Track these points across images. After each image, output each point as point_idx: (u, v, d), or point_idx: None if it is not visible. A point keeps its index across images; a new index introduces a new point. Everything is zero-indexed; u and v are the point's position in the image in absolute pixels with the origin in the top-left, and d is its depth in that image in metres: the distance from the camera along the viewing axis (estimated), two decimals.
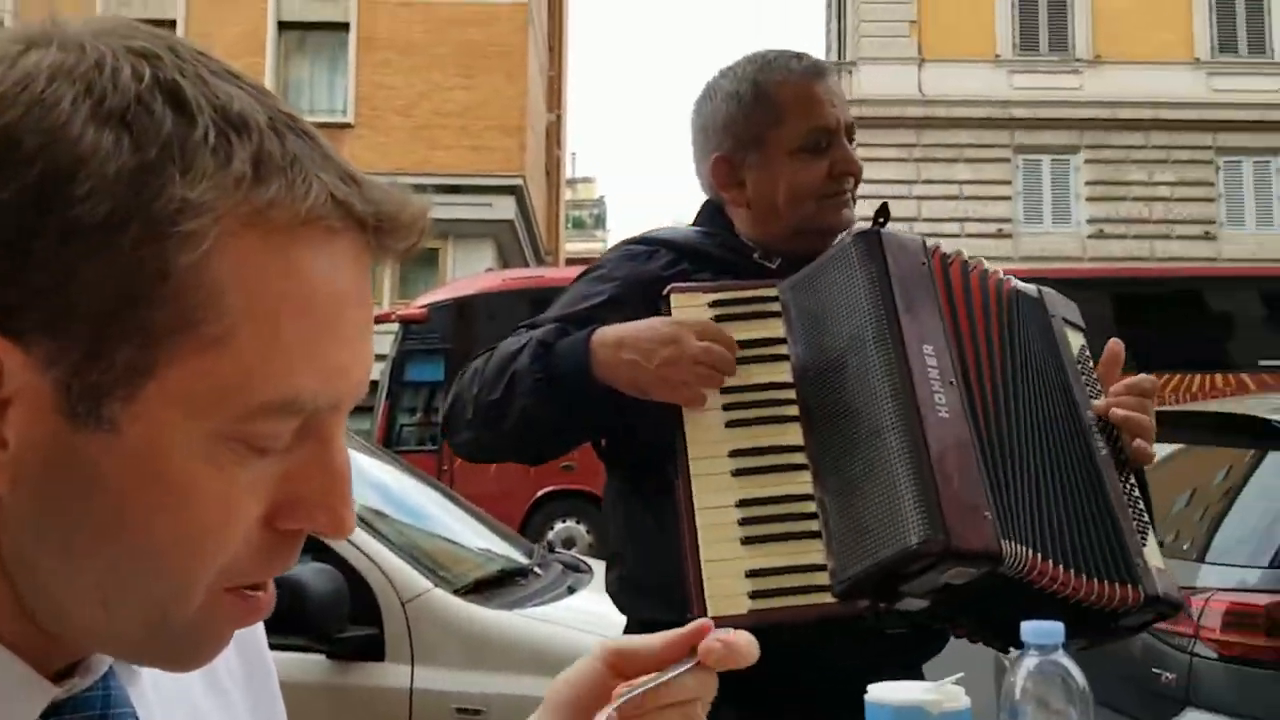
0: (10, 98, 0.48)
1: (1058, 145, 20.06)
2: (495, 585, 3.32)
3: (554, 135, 25.88)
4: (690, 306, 1.39)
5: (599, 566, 4.12)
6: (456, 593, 3.07)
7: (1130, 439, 1.36)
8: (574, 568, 3.82)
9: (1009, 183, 20.04)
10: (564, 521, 10.26)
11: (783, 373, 1.36)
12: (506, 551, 3.78)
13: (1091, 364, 1.45)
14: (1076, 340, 1.46)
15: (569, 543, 9.80)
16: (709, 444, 1.32)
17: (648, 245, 1.56)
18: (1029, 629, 1.07)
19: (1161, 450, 4.14)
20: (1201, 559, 3.27)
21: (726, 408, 1.33)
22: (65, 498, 0.50)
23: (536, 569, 3.61)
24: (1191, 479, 3.94)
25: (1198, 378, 11.60)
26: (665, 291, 1.41)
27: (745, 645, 0.72)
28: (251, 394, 0.50)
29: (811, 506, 1.28)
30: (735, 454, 1.32)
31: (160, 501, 0.50)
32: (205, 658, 0.56)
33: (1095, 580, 1.22)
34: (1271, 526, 3.16)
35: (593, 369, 1.34)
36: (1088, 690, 1.07)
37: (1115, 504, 1.29)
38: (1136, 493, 1.35)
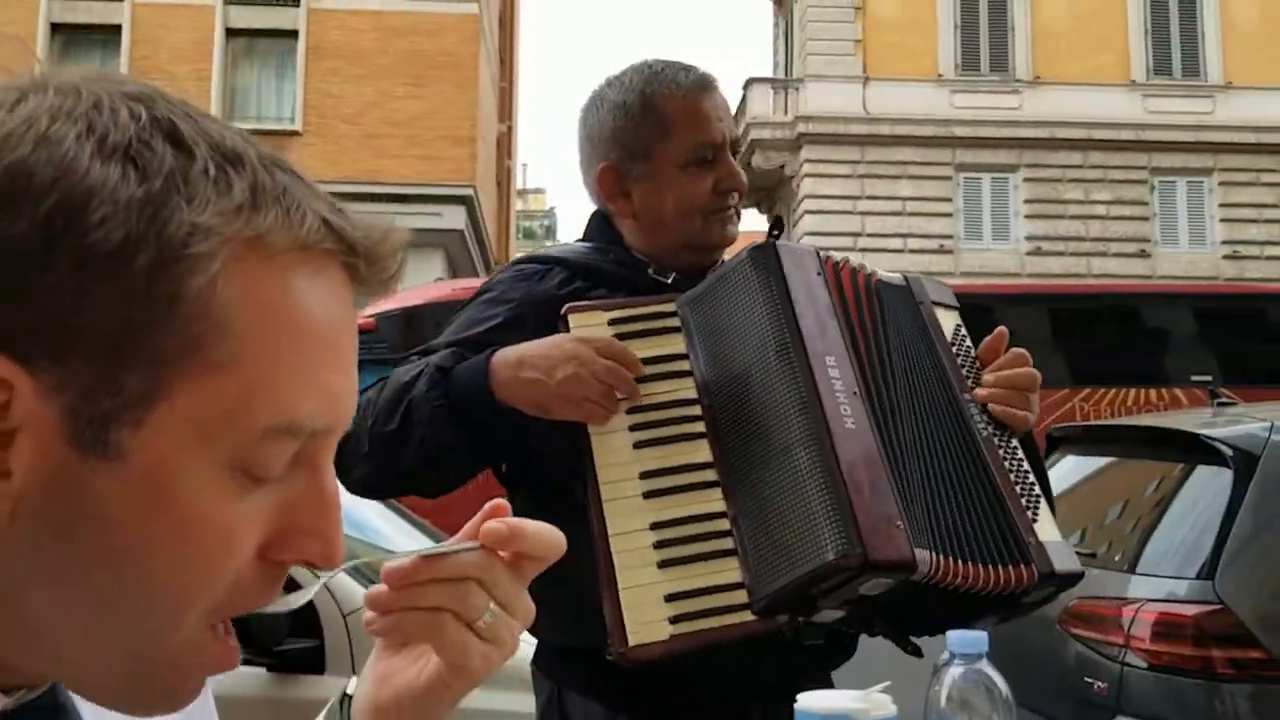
0: (18, 136, 0.49)
1: (998, 164, 20.43)
2: None
3: (505, 146, 25.82)
4: (589, 325, 1.38)
5: None
6: None
7: (1014, 429, 1.36)
8: None
9: (950, 200, 20.36)
10: None
11: (686, 388, 1.35)
12: None
13: (969, 343, 1.44)
14: (950, 321, 1.45)
15: None
16: (618, 467, 1.31)
17: (541, 264, 1.54)
18: (954, 639, 1.10)
19: (1096, 463, 4.26)
20: (1132, 570, 3.33)
21: (633, 428, 1.32)
22: (66, 527, 0.50)
23: None
24: (1124, 491, 4.03)
25: (1132, 392, 11.86)
26: (563, 311, 1.39)
27: (535, 532, 0.74)
28: (255, 417, 0.51)
29: (725, 524, 1.27)
30: (645, 476, 1.31)
31: (164, 532, 0.50)
32: (178, 702, 0.56)
33: (991, 567, 1.23)
34: (1199, 539, 3.22)
35: (494, 390, 1.32)
36: (1011, 699, 1.10)
37: (1002, 486, 1.29)
38: (1025, 466, 1.35)
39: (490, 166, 21.84)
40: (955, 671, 1.10)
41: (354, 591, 2.96)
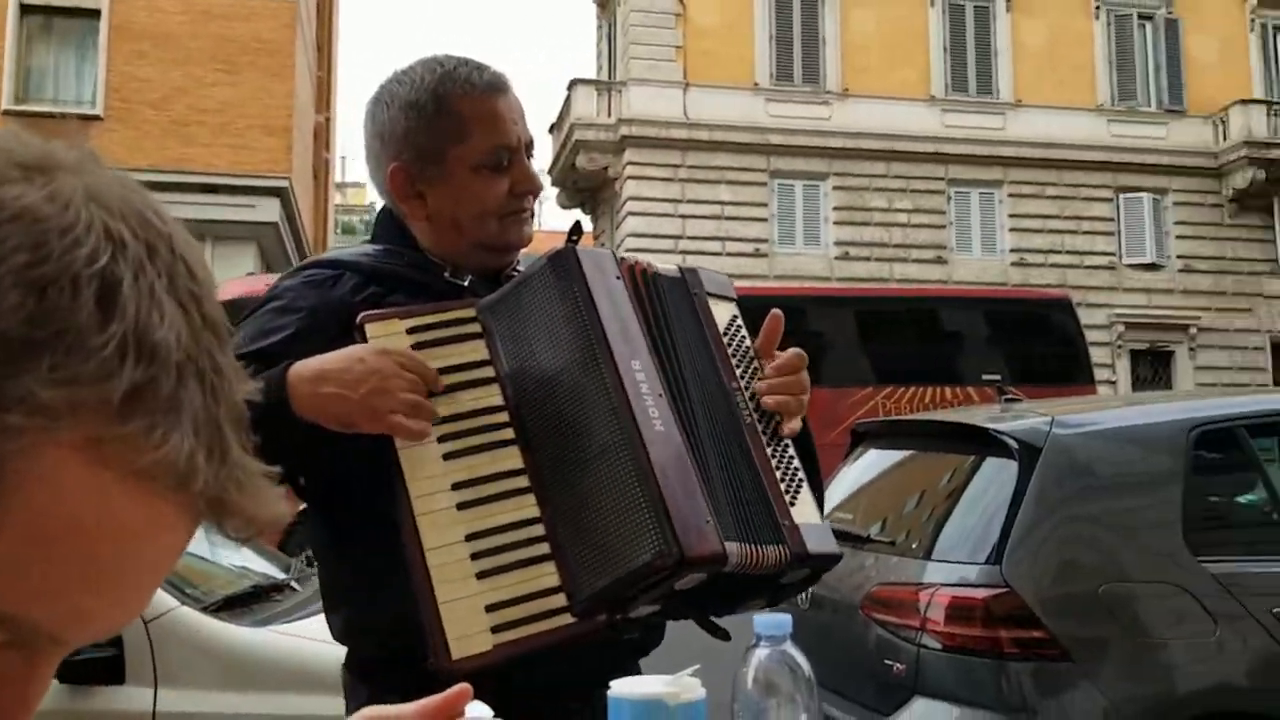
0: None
1: (809, 171, 21.16)
2: (249, 602, 3.21)
3: (322, 137, 25.04)
4: (387, 335, 1.32)
5: None
6: (205, 610, 2.95)
7: (783, 420, 1.39)
8: None
9: (766, 205, 20.96)
10: None
11: (492, 396, 1.33)
12: (262, 568, 3.65)
13: (744, 333, 1.46)
14: (725, 312, 1.46)
15: None
16: (429, 480, 1.28)
17: (331, 269, 1.47)
18: (760, 622, 1.15)
19: (896, 456, 4.47)
20: (928, 556, 3.51)
21: (442, 439, 1.29)
22: None
23: (294, 584, 3.50)
24: (921, 482, 4.25)
25: (929, 390, 12.52)
26: (359, 321, 1.33)
27: None
28: None
29: (540, 530, 1.27)
30: (457, 487, 1.28)
31: None
32: None
33: (758, 547, 1.26)
34: (988, 526, 3.40)
35: (293, 406, 1.25)
36: (813, 679, 1.16)
37: (761, 468, 1.33)
38: (790, 452, 1.38)
39: (307, 158, 21.14)
40: (761, 653, 1.14)
41: (156, 597, 2.84)
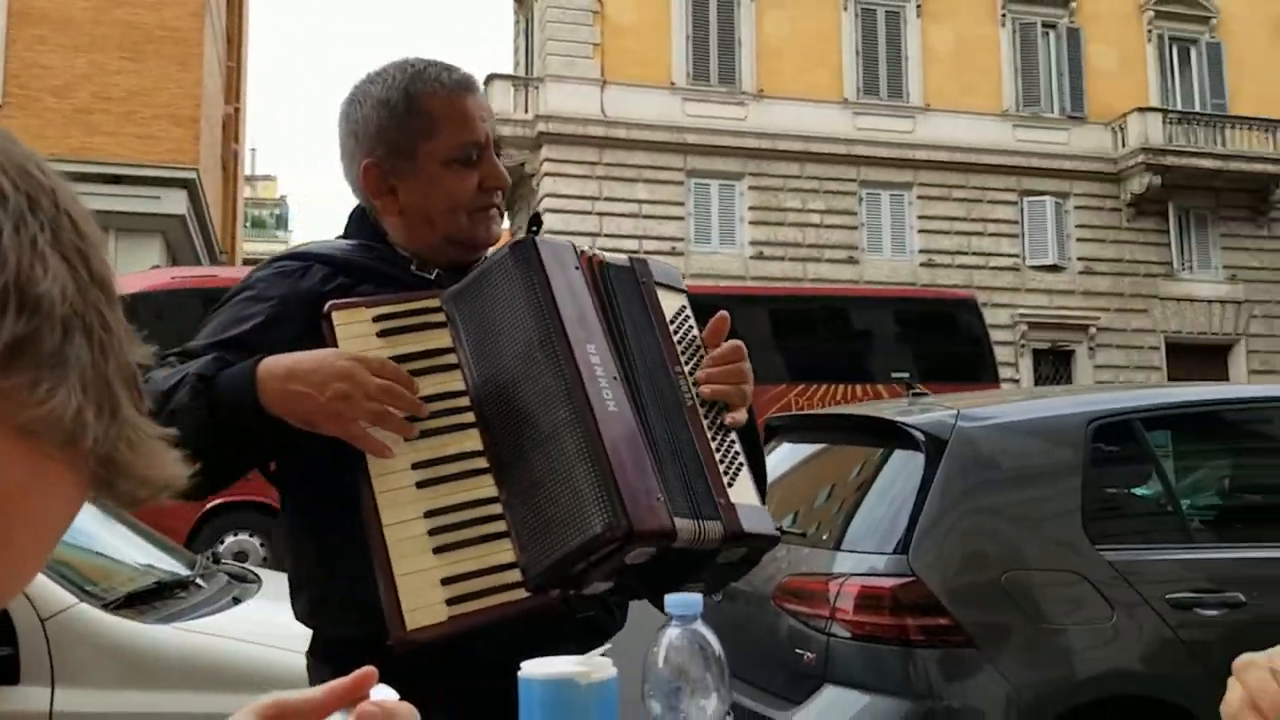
0: None
1: (725, 171, 21.34)
2: (152, 599, 3.13)
3: (232, 128, 24.43)
4: (353, 323, 1.35)
5: (269, 576, 3.96)
6: (106, 607, 2.87)
7: (727, 410, 1.44)
8: (240, 578, 3.66)
9: (682, 204, 21.08)
10: (235, 534, 9.70)
11: (455, 382, 1.36)
12: (165, 564, 3.56)
13: (692, 323, 1.51)
14: (675, 302, 1.51)
15: (241, 556, 9.26)
16: (390, 460, 1.30)
17: (301, 261, 1.51)
18: (672, 601, 1.16)
19: (808, 450, 4.53)
20: (838, 547, 3.56)
21: (405, 418, 1.31)
22: None
23: (199, 581, 3.42)
24: (832, 475, 4.32)
25: (841, 387, 12.75)
26: (326, 309, 1.36)
27: (406, 714, 0.71)
28: None
29: (497, 509, 1.30)
30: (417, 466, 1.31)
31: None
32: None
33: (701, 523, 1.30)
34: (896, 516, 3.47)
35: (260, 401, 1.28)
36: (724, 658, 1.17)
37: (700, 449, 1.37)
38: (731, 437, 1.43)
39: (215, 149, 20.62)
40: (672, 633, 1.15)
41: (54, 594, 2.75)
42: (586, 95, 20.81)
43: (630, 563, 1.25)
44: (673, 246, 20.38)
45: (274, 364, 1.30)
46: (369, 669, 0.71)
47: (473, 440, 1.33)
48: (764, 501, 1.43)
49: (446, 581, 1.26)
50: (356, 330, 1.34)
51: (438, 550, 1.28)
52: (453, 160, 1.50)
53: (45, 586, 2.76)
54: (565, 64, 20.95)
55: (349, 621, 1.39)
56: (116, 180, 15.01)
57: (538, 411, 1.30)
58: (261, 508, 9.38)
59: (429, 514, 1.29)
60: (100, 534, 3.56)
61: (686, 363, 1.45)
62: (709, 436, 1.39)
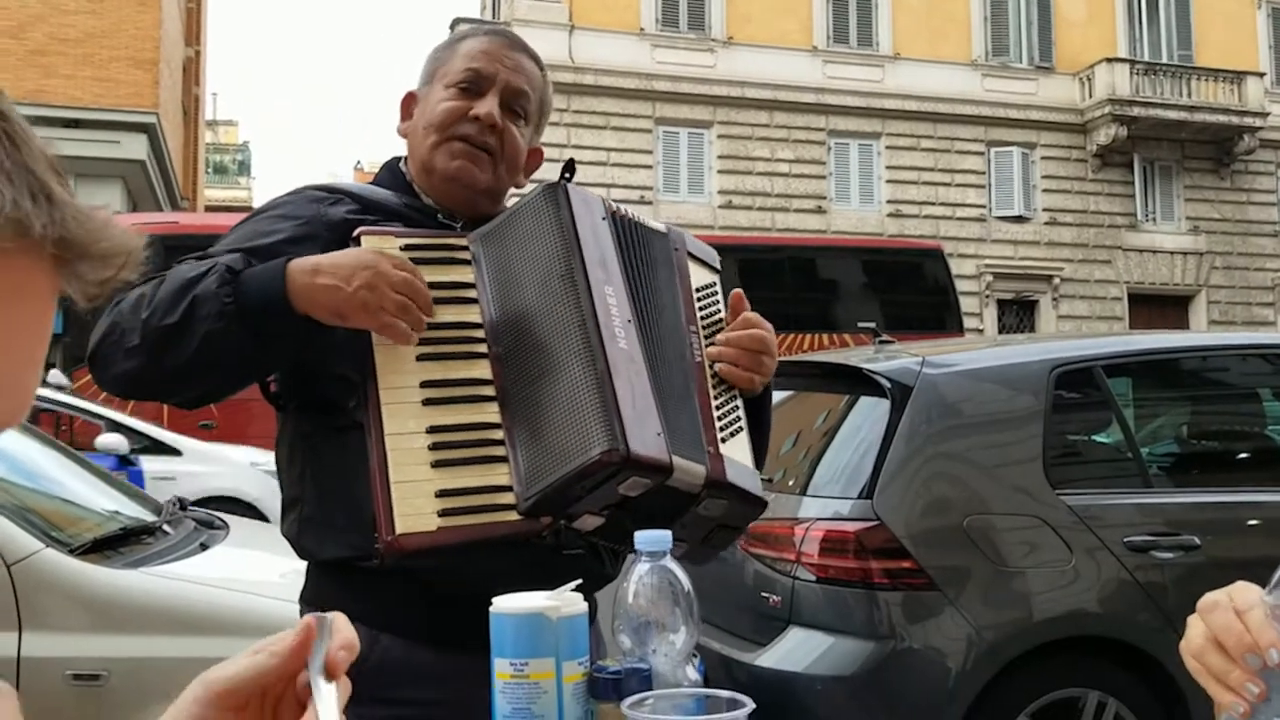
0: None
1: (694, 119, 21.21)
2: (118, 544, 3.12)
3: (192, 72, 23.94)
4: (383, 248, 1.37)
5: (236, 523, 3.96)
6: (73, 553, 2.86)
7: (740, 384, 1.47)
8: (208, 524, 3.65)
9: (650, 152, 20.96)
10: None
11: (472, 314, 1.38)
12: (132, 510, 3.54)
13: (719, 301, 1.54)
14: (704, 276, 1.55)
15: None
16: (399, 375, 1.33)
17: (331, 192, 1.52)
18: (641, 539, 1.17)
19: (775, 397, 4.54)
20: (804, 492, 3.60)
21: (418, 343, 1.34)
22: None
23: (165, 527, 3.41)
24: (799, 421, 4.35)
25: (808, 337, 12.83)
26: (355, 233, 1.37)
27: (343, 625, 0.69)
28: None
29: (499, 434, 1.32)
30: (426, 385, 1.33)
31: None
32: None
33: (692, 464, 1.31)
34: (861, 462, 3.51)
35: (289, 295, 1.29)
36: (692, 592, 1.19)
37: (700, 401, 1.40)
38: (737, 404, 1.46)
39: (175, 93, 20.23)
40: (642, 569, 1.16)
41: (19, 539, 2.74)
42: (554, 40, 20.54)
43: (623, 494, 1.26)
44: (641, 195, 20.29)
45: (301, 261, 1.32)
46: (307, 620, 0.67)
47: (482, 369, 1.36)
48: (760, 467, 1.45)
49: (441, 494, 1.28)
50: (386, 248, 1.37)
51: (435, 465, 1.29)
52: (455, 84, 1.52)
53: (10, 532, 2.74)
54: (532, 8, 20.65)
55: (337, 540, 1.40)
56: (75, 124, 14.72)
57: (549, 342, 1.33)
58: None
59: (431, 430, 1.31)
60: (66, 480, 3.54)
61: (706, 334, 1.47)
62: (711, 394, 1.42)
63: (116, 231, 0.51)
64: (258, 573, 3.09)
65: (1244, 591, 0.84)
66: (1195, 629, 0.85)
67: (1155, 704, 3.38)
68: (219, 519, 3.81)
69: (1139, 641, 3.37)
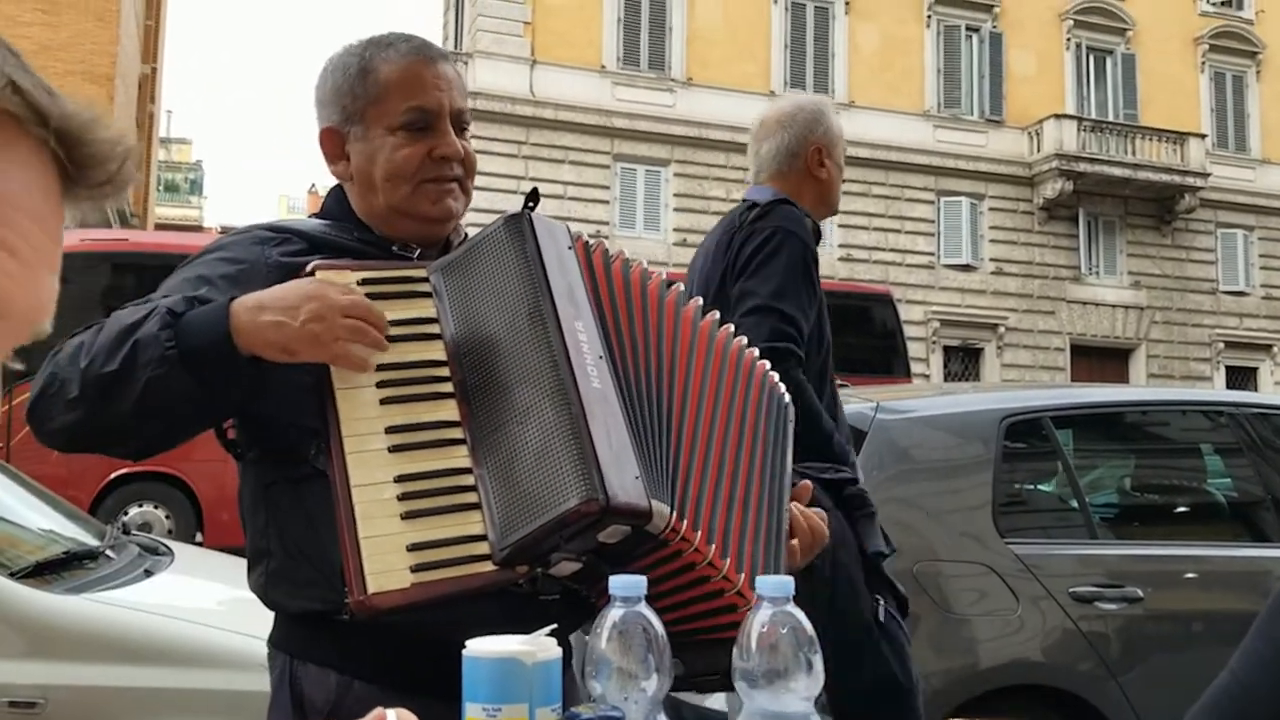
0: None
1: (652, 157, 21.35)
2: (60, 569, 3.04)
3: (148, 89, 23.67)
4: (337, 283, 1.31)
5: (180, 549, 3.88)
6: (12, 576, 2.78)
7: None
8: (152, 550, 3.58)
9: (608, 188, 21.05)
10: (140, 505, 9.46)
11: (436, 351, 1.32)
12: (74, 534, 3.46)
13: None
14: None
15: (145, 528, 9.04)
16: (363, 421, 1.26)
17: (277, 232, 1.46)
18: (615, 583, 1.16)
19: None
20: None
21: (380, 385, 1.28)
22: None
23: (108, 552, 3.34)
24: None
25: None
26: (309, 268, 1.31)
27: None
28: None
29: (470, 480, 1.26)
30: (391, 430, 1.27)
31: None
32: None
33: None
34: None
35: (233, 335, 1.23)
36: (665, 638, 1.19)
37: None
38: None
39: (130, 110, 19.99)
40: (615, 614, 1.15)
41: None
42: (515, 74, 20.63)
43: (603, 541, 1.22)
44: (597, 230, 20.34)
45: (245, 298, 1.26)
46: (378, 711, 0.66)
47: (449, 410, 1.29)
48: None
49: (413, 548, 1.22)
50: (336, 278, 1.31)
51: (406, 516, 1.23)
52: (399, 127, 1.46)
53: None
54: (495, 40, 20.74)
55: (307, 594, 1.35)
56: None
57: (519, 384, 1.26)
58: (167, 479, 9.16)
59: (399, 479, 1.24)
60: (8, 502, 3.45)
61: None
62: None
63: (107, 122, 0.51)
64: (200, 600, 3.03)
65: None
66: None
67: None
68: (163, 545, 3.74)
69: (1081, 691, 3.41)
